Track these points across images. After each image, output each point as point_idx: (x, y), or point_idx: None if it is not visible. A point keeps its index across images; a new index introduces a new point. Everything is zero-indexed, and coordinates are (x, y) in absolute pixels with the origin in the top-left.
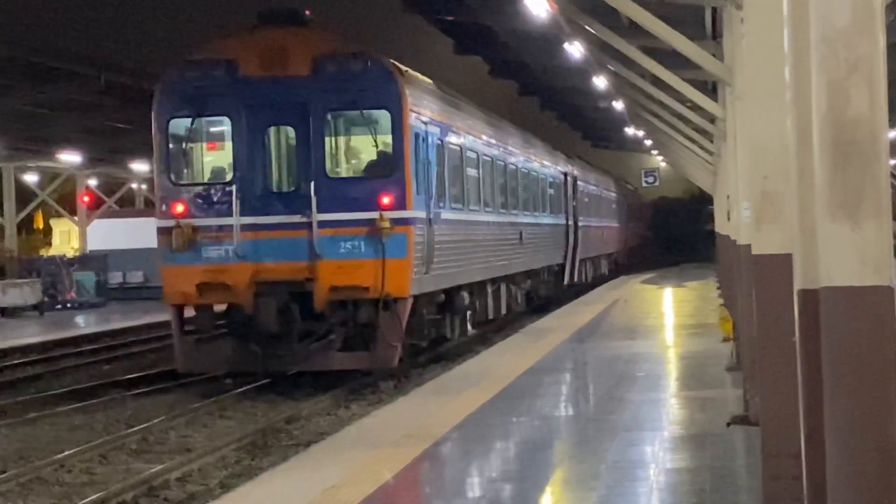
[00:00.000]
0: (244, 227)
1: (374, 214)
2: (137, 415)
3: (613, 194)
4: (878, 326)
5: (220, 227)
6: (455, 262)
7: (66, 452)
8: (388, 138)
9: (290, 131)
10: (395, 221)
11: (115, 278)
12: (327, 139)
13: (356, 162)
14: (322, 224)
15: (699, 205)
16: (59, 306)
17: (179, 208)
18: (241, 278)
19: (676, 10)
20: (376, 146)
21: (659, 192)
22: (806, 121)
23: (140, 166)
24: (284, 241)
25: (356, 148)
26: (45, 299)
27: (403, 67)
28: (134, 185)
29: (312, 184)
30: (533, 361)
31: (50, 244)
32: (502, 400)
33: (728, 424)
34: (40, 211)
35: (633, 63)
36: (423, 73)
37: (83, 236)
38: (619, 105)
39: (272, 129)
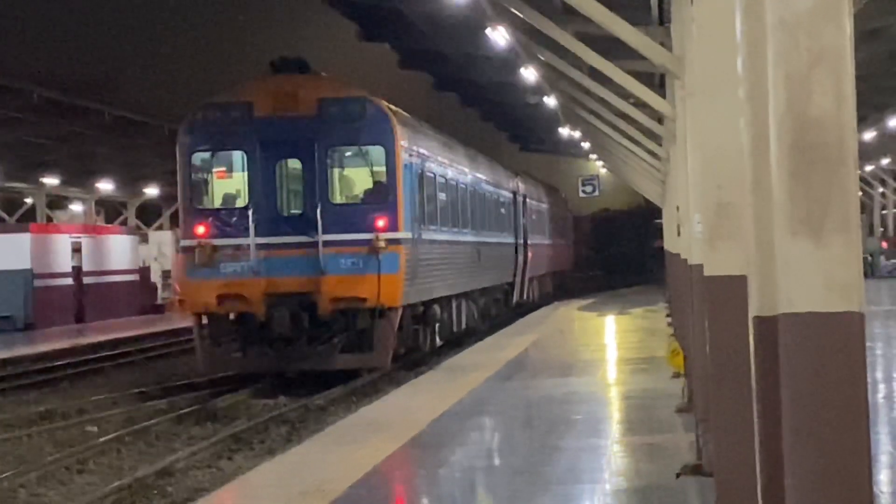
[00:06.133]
0: (258, 247)
1: (370, 235)
2: None
3: (558, 209)
4: (846, 359)
5: (237, 247)
6: (431, 278)
7: None
8: (383, 170)
9: (298, 163)
10: (389, 241)
11: None
12: (330, 170)
13: (355, 190)
14: (326, 244)
15: (645, 218)
16: None
17: (201, 230)
18: (256, 290)
19: None
20: (372, 176)
21: (599, 203)
22: (762, 121)
23: None
24: (293, 258)
25: (355, 178)
26: None
27: (395, 108)
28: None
29: (318, 209)
30: (451, 403)
31: None
32: (414, 449)
33: (678, 475)
34: None
35: (568, 52)
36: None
37: None
38: (551, 101)
39: (282, 162)
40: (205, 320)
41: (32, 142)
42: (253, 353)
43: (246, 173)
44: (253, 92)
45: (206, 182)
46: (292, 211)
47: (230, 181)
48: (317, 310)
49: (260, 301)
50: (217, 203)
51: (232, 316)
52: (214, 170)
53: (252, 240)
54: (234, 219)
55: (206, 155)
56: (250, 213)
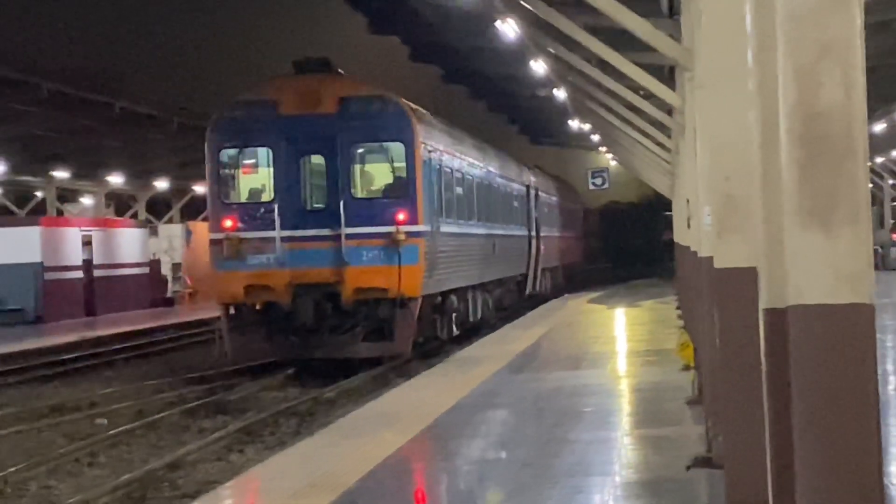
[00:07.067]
0: (283, 239)
1: (391, 228)
2: None
3: (568, 202)
4: (856, 351)
5: (264, 239)
6: (449, 269)
7: None
8: (403, 165)
9: (321, 159)
10: (409, 234)
11: None
12: (352, 166)
13: (376, 185)
14: (349, 236)
15: (655, 211)
16: None
17: (228, 223)
18: (281, 281)
19: None
20: (393, 172)
21: (609, 195)
22: (772, 113)
23: None
24: (317, 250)
25: (376, 173)
26: None
27: (413, 105)
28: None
29: (341, 203)
30: (461, 396)
31: None
32: (423, 442)
33: (688, 468)
34: None
35: (577, 45)
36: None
37: None
38: (560, 94)
39: (306, 158)
40: (232, 310)
41: (42, 135)
42: (278, 341)
43: (271, 169)
44: (278, 90)
45: (233, 177)
46: (316, 205)
47: (256, 176)
48: (340, 300)
49: (285, 291)
50: (244, 198)
51: (258, 306)
52: (241, 165)
53: (277, 233)
54: (261, 213)
55: (234, 151)
56: (276, 207)
